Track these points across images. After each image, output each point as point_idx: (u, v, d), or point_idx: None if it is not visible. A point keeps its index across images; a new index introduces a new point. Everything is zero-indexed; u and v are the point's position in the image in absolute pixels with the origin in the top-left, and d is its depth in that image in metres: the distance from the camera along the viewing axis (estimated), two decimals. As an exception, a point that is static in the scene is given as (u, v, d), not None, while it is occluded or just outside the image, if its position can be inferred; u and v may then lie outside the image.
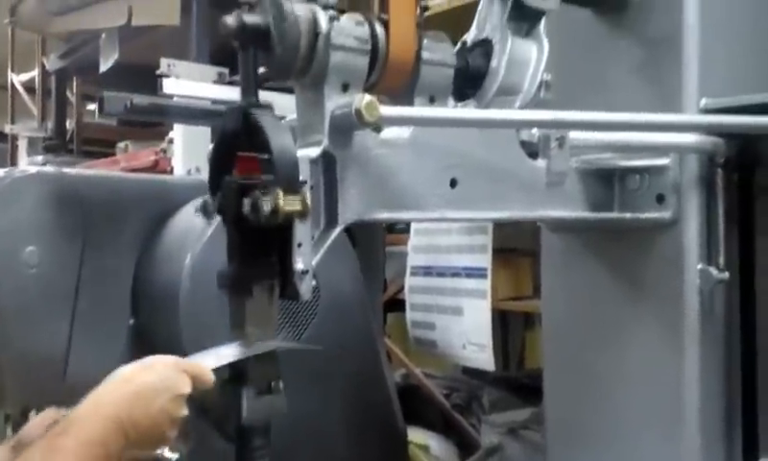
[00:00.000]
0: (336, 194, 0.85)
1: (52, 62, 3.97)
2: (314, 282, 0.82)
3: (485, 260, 1.89)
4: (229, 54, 0.88)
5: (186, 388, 0.76)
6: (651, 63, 1.06)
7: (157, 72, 2.21)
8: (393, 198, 0.90)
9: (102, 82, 3.34)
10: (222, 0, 2.59)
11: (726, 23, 1.07)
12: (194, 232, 1.41)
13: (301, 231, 0.79)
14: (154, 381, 0.76)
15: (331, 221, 0.85)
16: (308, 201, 0.78)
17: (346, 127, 0.84)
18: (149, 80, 2.29)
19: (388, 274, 2.28)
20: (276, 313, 0.82)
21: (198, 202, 1.11)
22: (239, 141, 0.82)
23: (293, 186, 0.76)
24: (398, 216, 0.94)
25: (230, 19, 0.78)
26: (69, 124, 4.39)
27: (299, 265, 0.79)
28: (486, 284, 1.88)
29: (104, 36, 3.02)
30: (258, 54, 0.81)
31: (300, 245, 0.79)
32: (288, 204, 0.75)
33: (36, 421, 0.96)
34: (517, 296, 2.10)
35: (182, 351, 1.35)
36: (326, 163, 0.85)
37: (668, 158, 1.03)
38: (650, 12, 1.06)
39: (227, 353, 0.80)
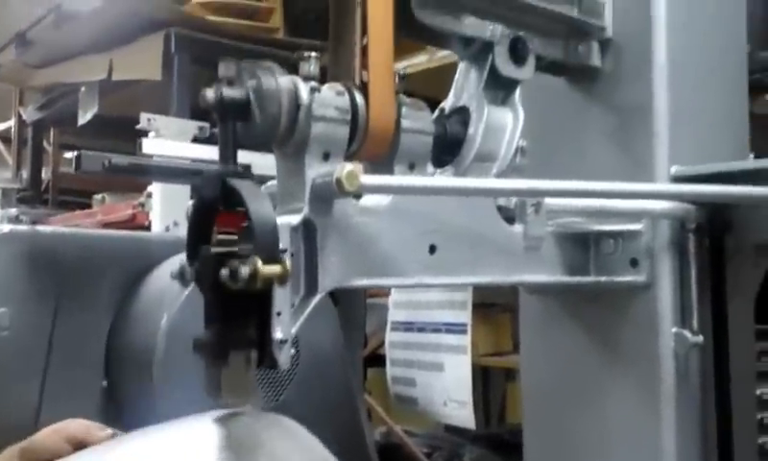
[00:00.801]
0: (316, 261, 0.85)
1: (29, 114, 3.96)
2: (293, 350, 0.82)
3: (465, 316, 1.90)
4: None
5: None
6: (623, 131, 1.09)
7: (137, 127, 2.22)
8: (372, 265, 0.91)
9: (80, 132, 3.34)
10: (203, 56, 2.63)
11: (694, 92, 1.11)
12: (170, 293, 1.40)
13: (281, 299, 0.79)
14: None
15: (311, 288, 0.85)
16: (288, 266, 0.78)
17: (326, 195, 0.85)
18: (128, 132, 2.29)
19: (369, 325, 2.27)
20: (253, 382, 0.81)
21: (174, 266, 1.11)
22: (217, 209, 0.82)
23: (272, 254, 0.76)
24: (378, 282, 0.95)
25: (210, 93, 0.79)
26: (45, 173, 4.36)
27: (277, 334, 0.79)
28: (466, 340, 1.88)
29: (83, 89, 3.03)
30: (238, 125, 0.82)
31: (279, 313, 0.79)
32: (267, 269, 0.75)
33: (48, 430, 0.94)
34: (498, 351, 2.10)
35: (156, 414, 1.33)
36: (307, 231, 0.85)
37: (641, 224, 1.05)
38: (621, 81, 1.10)
39: None
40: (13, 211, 3.62)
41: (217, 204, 0.83)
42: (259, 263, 0.75)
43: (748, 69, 1.21)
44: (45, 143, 4.34)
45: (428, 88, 1.25)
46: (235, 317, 0.79)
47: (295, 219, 0.84)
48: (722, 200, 1.00)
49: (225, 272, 0.76)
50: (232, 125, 0.81)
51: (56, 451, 0.96)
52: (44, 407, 1.40)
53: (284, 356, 0.80)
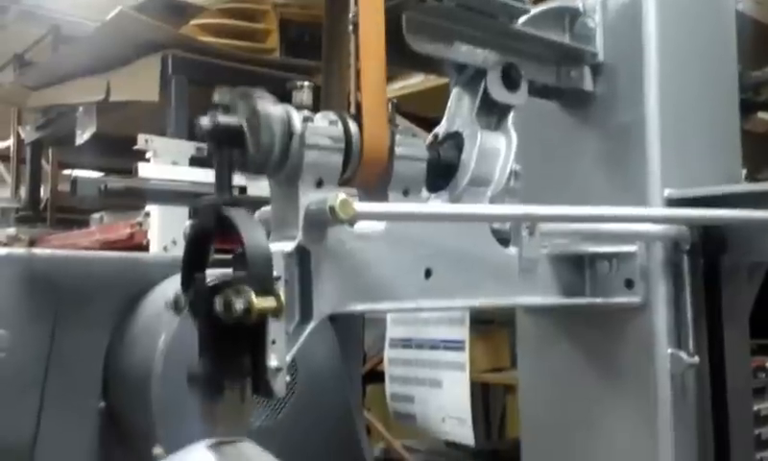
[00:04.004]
0: (311, 288, 0.86)
1: (28, 133, 3.97)
2: (288, 378, 0.82)
3: (463, 333, 1.90)
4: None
5: None
6: (615, 154, 1.09)
7: (135, 147, 2.23)
8: (368, 290, 0.91)
9: (78, 151, 3.35)
10: (200, 77, 2.65)
11: (686, 113, 1.12)
12: (168, 313, 1.40)
13: (275, 329, 0.79)
14: None
15: (306, 315, 0.86)
16: (282, 298, 0.78)
17: (320, 222, 0.85)
18: (126, 151, 2.30)
19: (367, 341, 2.27)
20: (249, 413, 0.81)
21: (171, 291, 1.11)
22: (212, 238, 0.83)
23: (266, 286, 0.77)
24: (374, 307, 0.95)
25: (205, 121, 0.80)
26: (43, 192, 4.36)
27: (272, 362, 0.79)
28: (464, 357, 1.88)
29: (81, 109, 3.04)
30: (233, 153, 0.83)
31: (273, 342, 0.79)
32: (261, 303, 0.76)
33: None
34: (496, 367, 2.10)
35: (154, 436, 1.33)
36: (301, 258, 0.86)
37: (635, 245, 1.06)
38: (613, 105, 1.11)
39: None
40: (12, 230, 3.63)
41: (212, 232, 0.84)
42: (253, 297, 0.75)
43: (739, 89, 1.22)
44: (44, 162, 4.35)
45: (423, 109, 1.26)
46: (229, 348, 0.80)
47: (289, 246, 0.85)
48: (715, 223, 1.00)
49: (219, 303, 0.77)
50: (227, 153, 0.82)
51: None
52: (42, 429, 1.39)
53: (279, 384, 0.80)
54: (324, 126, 0.86)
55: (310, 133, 0.84)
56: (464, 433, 1.81)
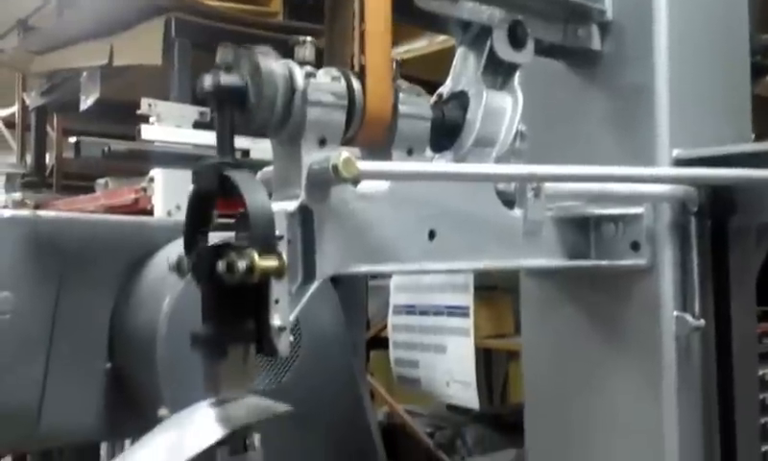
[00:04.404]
0: (314, 248, 0.85)
1: (32, 99, 3.96)
2: (291, 338, 0.82)
3: (467, 299, 1.90)
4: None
5: None
6: (624, 115, 1.08)
7: (139, 112, 2.21)
8: (371, 251, 0.90)
9: (83, 117, 3.34)
10: (203, 41, 2.61)
11: (696, 74, 1.10)
12: (172, 275, 1.40)
13: (278, 288, 0.79)
14: None
15: (309, 275, 0.85)
16: (285, 259, 0.78)
17: (323, 182, 0.84)
18: (130, 117, 2.28)
19: (371, 308, 2.28)
20: (253, 375, 0.81)
21: (174, 253, 1.11)
22: (214, 200, 0.82)
23: (269, 246, 0.76)
24: (377, 268, 0.94)
25: (207, 80, 0.79)
26: (49, 158, 4.36)
27: (276, 321, 0.79)
28: (468, 323, 1.89)
29: (84, 74, 3.02)
30: (235, 112, 0.81)
31: (277, 301, 0.79)
32: (264, 262, 0.75)
33: None
34: (499, 333, 2.11)
35: (159, 397, 1.34)
36: (304, 217, 0.85)
37: (642, 207, 1.05)
38: (622, 65, 1.08)
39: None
40: (18, 195, 3.63)
41: (214, 194, 0.83)
42: (256, 257, 0.74)
43: (750, 52, 1.19)
44: (49, 128, 4.34)
45: (428, 73, 1.24)
46: (233, 309, 0.79)
47: (291, 205, 0.84)
48: (723, 182, 0.99)
49: (221, 265, 0.76)
50: (230, 113, 0.81)
51: None
52: (48, 390, 1.41)
53: (283, 343, 0.80)
54: (326, 82, 0.85)
55: (312, 89, 0.83)
56: (468, 396, 1.82)
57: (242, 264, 0.74)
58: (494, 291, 2.07)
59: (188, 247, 0.82)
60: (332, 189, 0.86)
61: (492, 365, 2.54)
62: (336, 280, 1.66)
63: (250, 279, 0.75)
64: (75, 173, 4.34)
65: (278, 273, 0.76)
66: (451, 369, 1.92)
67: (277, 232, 0.79)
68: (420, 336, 1.99)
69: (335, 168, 0.80)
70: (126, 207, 2.51)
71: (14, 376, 1.37)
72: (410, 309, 2.02)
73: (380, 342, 2.19)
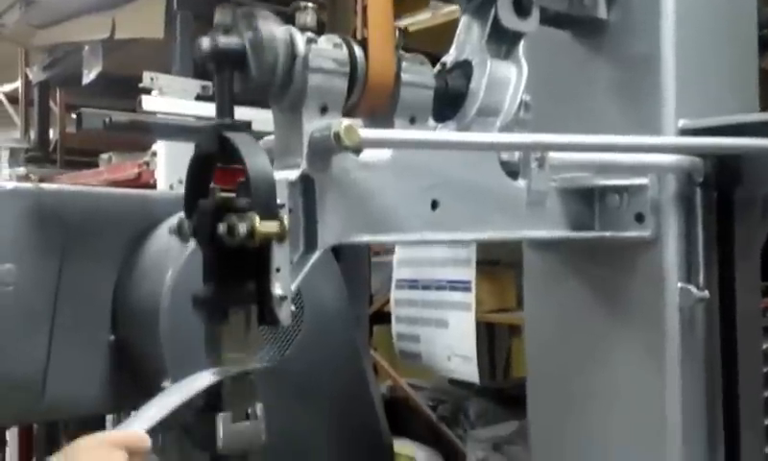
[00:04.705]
0: (315, 217, 0.85)
1: (35, 74, 3.94)
2: (293, 307, 0.81)
3: (469, 273, 1.90)
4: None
5: None
6: (629, 85, 1.06)
7: (141, 85, 2.20)
8: (373, 220, 0.90)
9: (85, 92, 3.33)
10: (205, 13, 2.59)
11: (702, 45, 1.08)
12: (175, 248, 1.40)
13: (280, 256, 0.78)
14: None
15: (310, 244, 0.85)
16: (286, 223, 0.77)
17: (324, 150, 0.84)
18: (133, 91, 2.27)
19: (374, 284, 2.28)
20: (255, 339, 0.81)
21: (173, 221, 1.11)
22: (215, 163, 0.81)
23: (270, 210, 0.75)
24: (379, 238, 0.94)
25: (205, 42, 0.78)
26: (53, 133, 4.36)
27: (277, 290, 0.78)
28: (470, 297, 1.88)
29: (87, 48, 3.00)
30: (234, 75, 0.81)
31: (278, 270, 0.79)
32: (265, 226, 0.75)
33: None
34: (502, 308, 2.10)
35: (163, 369, 1.35)
36: (305, 186, 0.84)
37: (647, 178, 1.04)
38: (627, 34, 1.07)
39: (168, 402, 0.77)
40: (22, 170, 3.64)
41: (214, 157, 0.82)
42: (257, 220, 0.74)
43: (757, 25, 1.17)
44: (52, 103, 4.33)
45: (431, 46, 1.23)
46: (234, 273, 0.79)
47: (293, 174, 0.83)
48: (729, 152, 0.98)
49: (222, 227, 0.76)
50: (229, 75, 0.80)
51: None
52: (52, 362, 1.41)
53: (285, 313, 0.79)
54: (328, 48, 0.83)
55: (314, 55, 0.82)
56: (469, 370, 1.82)
57: (243, 227, 0.73)
58: (497, 266, 2.07)
59: (189, 210, 0.81)
60: (334, 158, 0.86)
61: (494, 340, 2.55)
62: (339, 255, 1.66)
63: (251, 244, 0.75)
64: (79, 149, 4.34)
65: (280, 238, 0.76)
66: (452, 343, 1.93)
67: (279, 201, 0.79)
68: (422, 311, 1.99)
69: (337, 136, 0.80)
70: (129, 182, 2.51)
71: (18, 347, 1.37)
72: (413, 284, 2.02)
73: (383, 317, 2.20)
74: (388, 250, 2.14)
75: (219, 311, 0.79)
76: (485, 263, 1.95)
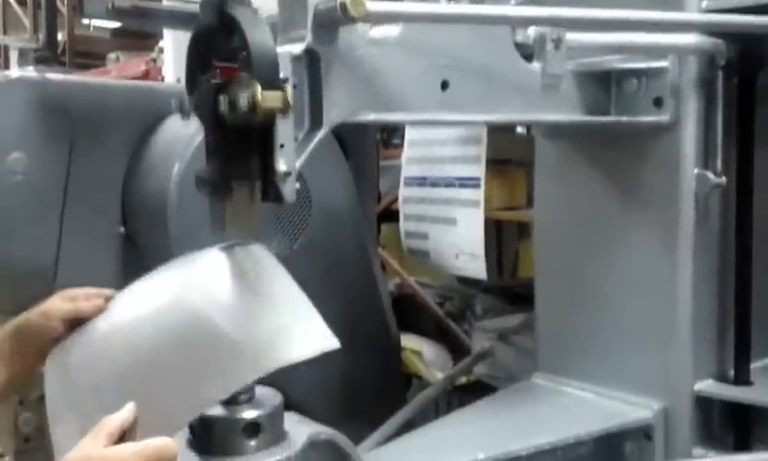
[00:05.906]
0: (320, 93, 0.82)
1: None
2: (298, 184, 0.80)
3: (478, 170, 1.86)
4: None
5: None
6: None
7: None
8: (380, 99, 0.87)
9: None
10: None
11: None
12: (182, 140, 1.38)
13: (284, 131, 0.76)
14: None
15: (316, 121, 0.82)
16: (290, 97, 0.75)
17: (330, 22, 0.80)
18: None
19: (382, 187, 2.26)
20: (259, 216, 0.80)
21: (175, 100, 1.09)
22: (215, 37, 0.78)
23: (272, 81, 0.73)
24: (386, 118, 0.91)
25: None
26: (61, 36, 4.29)
27: (281, 166, 0.77)
28: (479, 194, 1.85)
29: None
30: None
31: (282, 146, 0.77)
32: (267, 100, 0.72)
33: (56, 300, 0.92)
34: (511, 206, 2.08)
35: (172, 259, 1.36)
36: (310, 61, 0.81)
37: (667, 61, 0.99)
38: None
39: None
40: (31, 69, 3.59)
41: (215, 31, 0.79)
42: (259, 91, 0.71)
43: None
44: (60, 4, 4.25)
45: None
46: (237, 150, 0.77)
47: (297, 48, 0.80)
48: (756, 30, 0.92)
49: (223, 102, 0.74)
50: (231, -56, 0.76)
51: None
52: (63, 252, 1.42)
53: (289, 189, 0.78)
54: None
55: None
56: (476, 268, 1.81)
57: (244, 99, 0.71)
58: (508, 164, 2.03)
59: (190, 86, 0.79)
60: (340, 32, 0.82)
61: (503, 240, 2.53)
62: (348, 152, 1.64)
63: (253, 119, 0.72)
64: (87, 51, 4.29)
65: (283, 112, 0.74)
66: (460, 241, 1.91)
67: (282, 74, 0.76)
68: (431, 208, 1.97)
69: (343, 6, 0.76)
70: (137, 79, 2.48)
71: (30, 235, 1.38)
72: (421, 181, 1.99)
73: (392, 215, 2.19)
74: (397, 155, 2.10)
75: (223, 188, 0.78)
76: (495, 162, 1.91)
